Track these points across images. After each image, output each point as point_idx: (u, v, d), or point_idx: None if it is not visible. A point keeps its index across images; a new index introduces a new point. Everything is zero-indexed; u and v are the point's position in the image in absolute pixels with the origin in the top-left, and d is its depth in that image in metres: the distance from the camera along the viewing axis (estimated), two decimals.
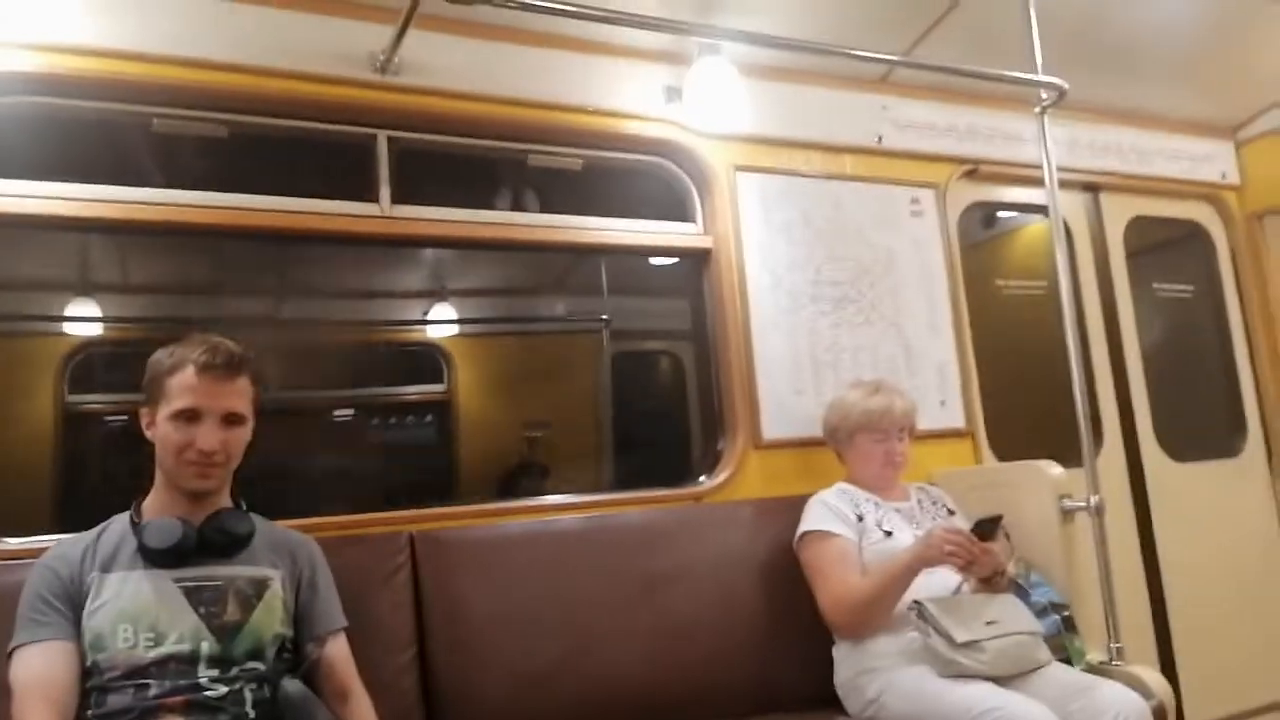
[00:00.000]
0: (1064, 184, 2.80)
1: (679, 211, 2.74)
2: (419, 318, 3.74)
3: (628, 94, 2.60)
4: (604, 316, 3.58)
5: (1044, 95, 2.46)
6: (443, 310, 3.73)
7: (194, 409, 1.56)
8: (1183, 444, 3.34)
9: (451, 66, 2.38)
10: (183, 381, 1.56)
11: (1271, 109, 3.51)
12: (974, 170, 3.08)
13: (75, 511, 2.64)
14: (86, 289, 3.14)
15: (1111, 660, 2.20)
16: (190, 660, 1.50)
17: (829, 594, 2.15)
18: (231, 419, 1.59)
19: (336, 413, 3.60)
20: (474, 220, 2.47)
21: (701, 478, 2.59)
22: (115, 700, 1.46)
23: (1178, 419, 3.37)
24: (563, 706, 1.99)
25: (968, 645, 1.94)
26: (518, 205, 2.80)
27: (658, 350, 3.68)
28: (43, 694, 1.43)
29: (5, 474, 2.75)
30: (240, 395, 1.61)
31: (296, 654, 1.65)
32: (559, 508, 2.45)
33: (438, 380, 3.70)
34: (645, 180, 2.75)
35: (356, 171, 2.34)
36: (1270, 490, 3.47)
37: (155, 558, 1.54)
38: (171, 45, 2.09)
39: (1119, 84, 3.20)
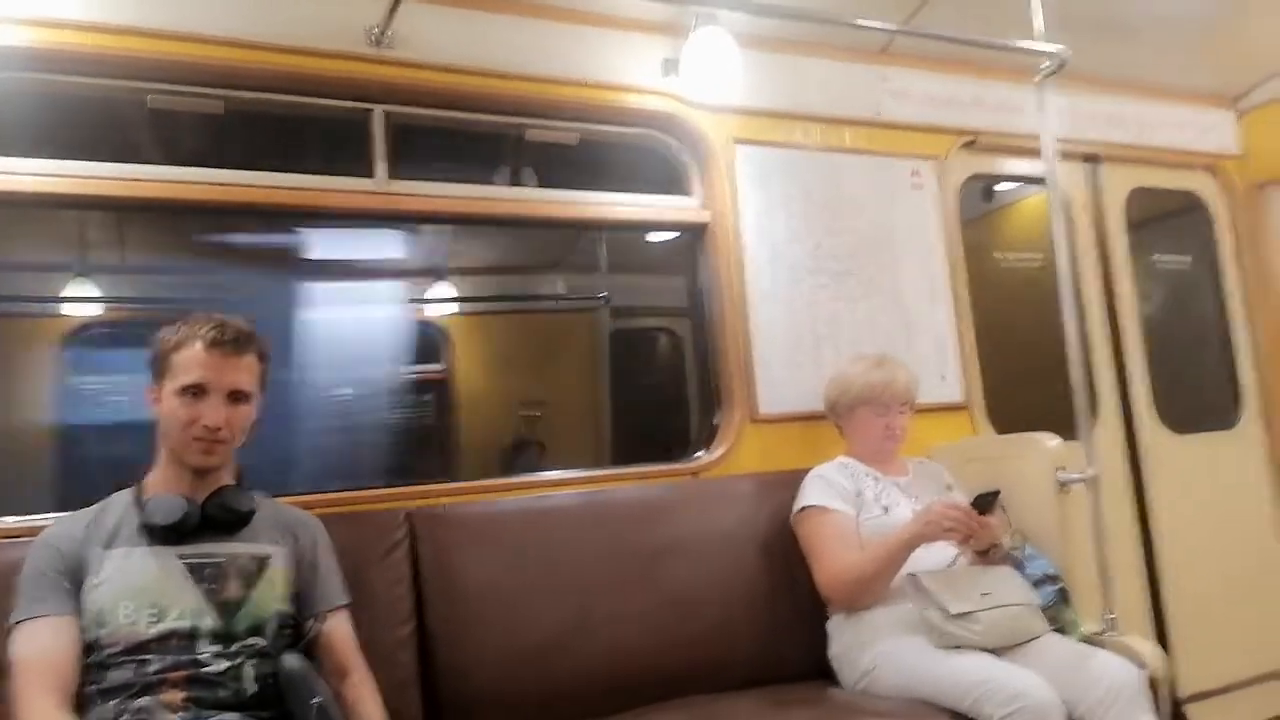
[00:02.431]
0: (1064, 155, 2.78)
1: (677, 185, 2.72)
2: (417, 296, 3.73)
3: (625, 66, 2.58)
4: (603, 294, 3.57)
5: (1044, 64, 2.44)
6: (441, 288, 3.72)
7: (200, 384, 1.56)
8: (1180, 415, 3.34)
9: (447, 39, 2.36)
10: (190, 357, 1.56)
11: (1273, 78, 3.48)
12: (974, 141, 3.06)
13: (74, 491, 2.64)
14: (85, 269, 3.13)
15: (1106, 631, 2.21)
16: (191, 636, 1.51)
17: (826, 569, 2.16)
18: (237, 396, 1.59)
19: (335, 390, 3.60)
20: (471, 195, 2.47)
21: (699, 453, 2.60)
22: (116, 675, 1.47)
23: (1175, 390, 3.37)
24: (561, 681, 2.00)
25: (963, 616, 1.95)
26: (515, 180, 2.79)
27: (656, 327, 3.68)
28: (44, 669, 1.44)
29: (5, 454, 2.76)
30: (247, 372, 1.61)
31: (297, 630, 1.66)
32: (557, 483, 2.46)
33: (435, 359, 3.70)
34: (643, 154, 2.73)
35: (353, 147, 2.33)
36: (1266, 462, 3.48)
37: (158, 534, 1.55)
38: (166, 20, 2.07)
39: (1120, 53, 3.17)
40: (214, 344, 1.56)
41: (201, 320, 1.60)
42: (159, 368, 1.60)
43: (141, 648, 1.48)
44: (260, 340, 1.65)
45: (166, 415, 1.58)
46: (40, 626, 1.48)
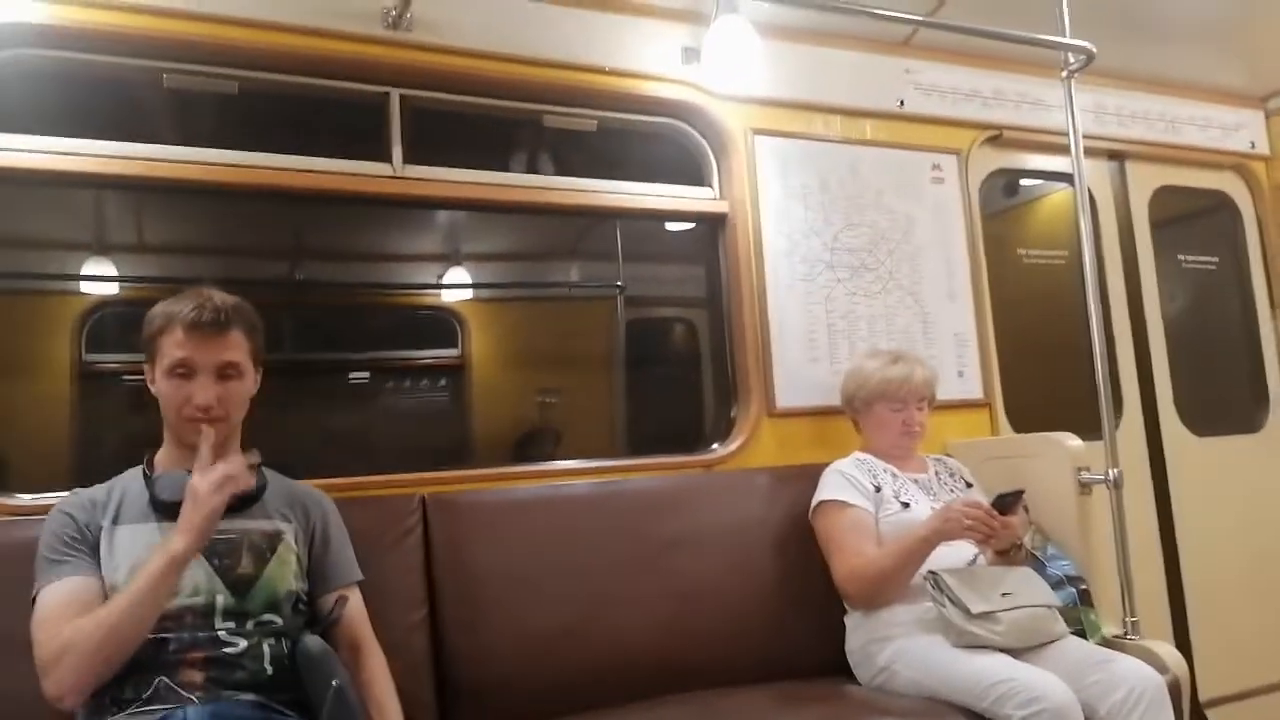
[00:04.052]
0: (1089, 151, 2.74)
1: (695, 176, 2.70)
2: (433, 282, 3.72)
3: (644, 54, 2.55)
4: (619, 283, 3.55)
5: (1071, 59, 2.40)
6: (457, 275, 3.71)
7: (186, 364, 1.56)
8: (1203, 418, 3.29)
9: (464, 23, 2.34)
10: (172, 340, 1.56)
11: None
12: (998, 136, 3.02)
13: (92, 469, 2.65)
14: (103, 248, 3.13)
15: (1126, 634, 2.19)
16: (206, 613, 1.50)
17: (844, 565, 2.13)
18: (227, 372, 1.59)
19: (351, 375, 3.60)
20: (487, 182, 2.45)
21: (714, 445, 2.58)
22: (134, 654, 1.45)
23: (1199, 393, 3.32)
24: (573, 669, 1.99)
25: (983, 616, 1.92)
26: (533, 168, 2.77)
27: (673, 317, 3.65)
28: (71, 612, 1.42)
29: (23, 432, 2.76)
30: (234, 348, 1.60)
31: (311, 608, 1.65)
32: (571, 472, 2.44)
33: (452, 345, 3.69)
34: (661, 144, 2.70)
35: (369, 131, 2.31)
36: None
37: (168, 510, 1.54)
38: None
39: (1148, 49, 3.12)
40: (194, 325, 1.56)
41: (184, 299, 1.59)
42: (149, 350, 1.60)
43: (157, 624, 1.46)
44: (245, 314, 1.63)
45: (161, 396, 1.59)
46: (63, 585, 1.47)
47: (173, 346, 1.56)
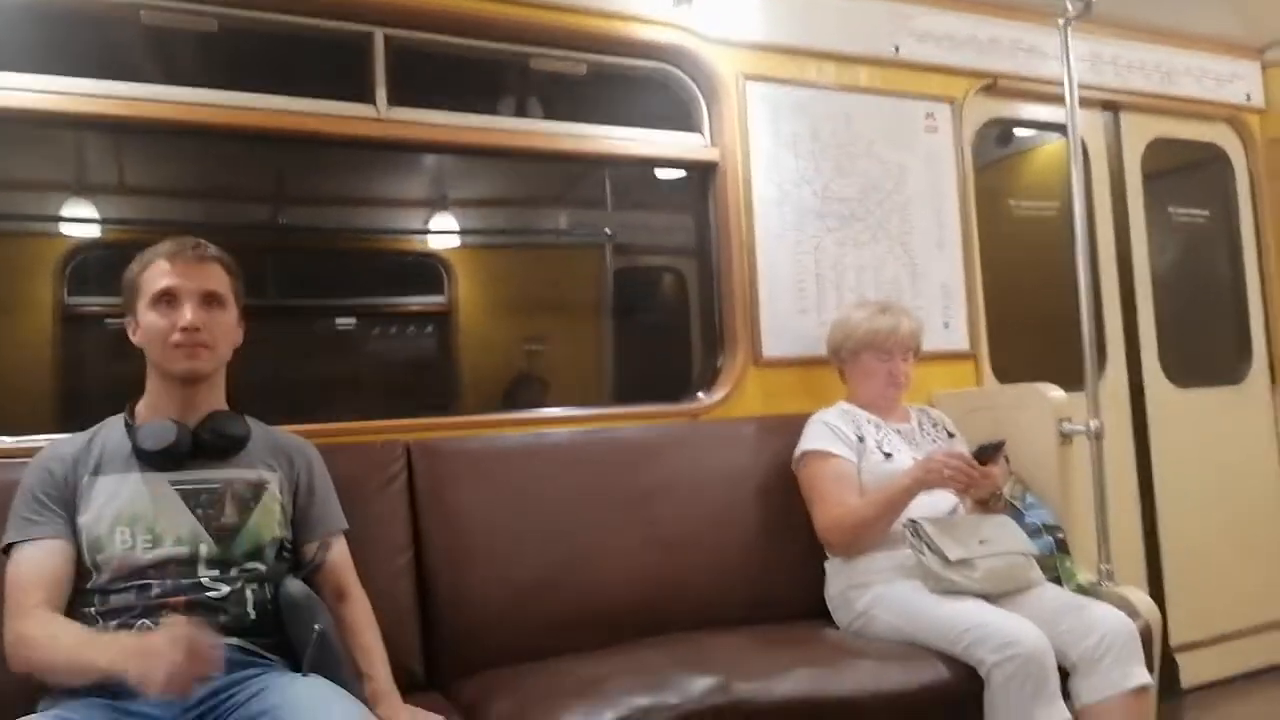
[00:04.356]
0: (1084, 102, 2.71)
1: (685, 122, 2.66)
2: (419, 227, 3.68)
3: None
4: (607, 230, 3.53)
5: (1070, 6, 2.36)
6: (443, 220, 3.68)
7: (170, 289, 1.55)
8: (1187, 369, 3.32)
9: None
10: (155, 270, 1.57)
11: None
12: (992, 85, 2.98)
13: (75, 412, 2.65)
14: (83, 189, 3.09)
15: (1101, 582, 2.23)
16: (189, 562, 1.51)
17: (826, 514, 2.16)
18: (211, 299, 1.58)
19: (337, 321, 3.58)
20: (473, 126, 2.41)
21: (700, 394, 2.58)
22: (117, 599, 1.48)
23: (1184, 345, 3.34)
24: (557, 614, 2.02)
25: (960, 563, 1.96)
26: (521, 112, 2.72)
27: (661, 266, 3.64)
28: (38, 586, 1.45)
29: (5, 375, 2.75)
30: (216, 279, 1.60)
31: (295, 555, 1.66)
32: (557, 420, 2.45)
33: (438, 291, 3.67)
34: (652, 89, 2.66)
35: (352, 71, 2.26)
36: (1271, 418, 3.47)
37: (151, 459, 1.54)
38: None
39: None
40: (175, 253, 1.58)
41: (161, 242, 1.61)
42: (130, 295, 1.60)
43: (140, 573, 1.49)
44: (226, 256, 1.64)
45: (146, 331, 1.57)
46: (34, 549, 1.48)
47: (157, 276, 1.56)
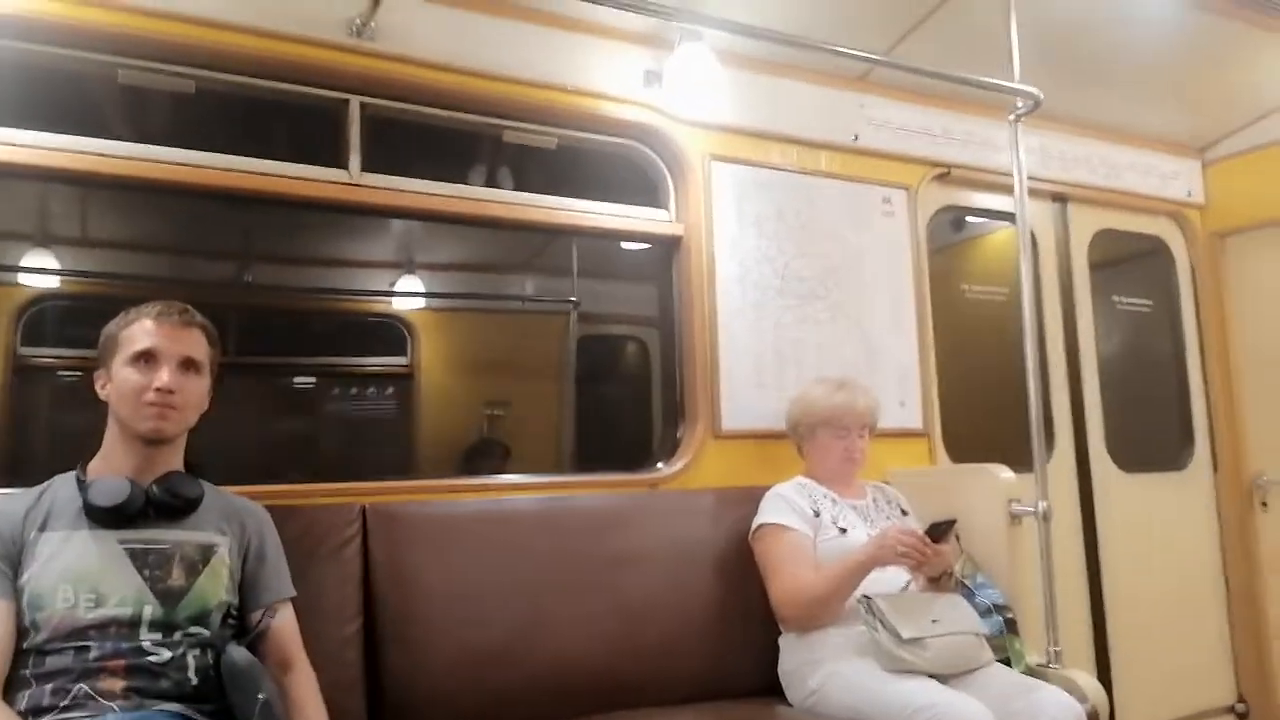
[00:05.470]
0: (1033, 193, 2.84)
1: (652, 197, 2.73)
2: (384, 289, 3.70)
3: (606, 75, 2.58)
4: (572, 298, 3.57)
5: (1019, 103, 2.49)
6: (409, 283, 3.69)
7: (152, 350, 1.57)
8: (1132, 455, 3.40)
9: (429, 35, 2.35)
10: (139, 329, 1.59)
11: (1239, 131, 3.57)
12: (946, 174, 3.11)
13: (24, 463, 2.59)
14: (45, 240, 3.06)
15: (1050, 663, 2.25)
16: (132, 624, 1.48)
17: (781, 587, 2.17)
18: (189, 365, 1.60)
19: (296, 380, 3.56)
20: (444, 194, 2.45)
21: (659, 464, 2.60)
22: (54, 661, 1.44)
23: (1129, 430, 3.43)
24: (512, 685, 1.99)
25: (912, 642, 1.97)
26: (491, 181, 2.77)
27: (624, 335, 3.68)
28: None
29: None
30: (197, 346, 1.63)
31: (241, 621, 1.63)
32: (516, 487, 2.45)
33: (401, 352, 3.67)
34: (620, 164, 2.73)
35: (327, 137, 2.30)
36: (1213, 504, 3.56)
37: (101, 517, 1.52)
38: None
39: (1093, 97, 3.24)
40: (162, 315, 1.61)
41: (148, 303, 1.63)
42: (107, 349, 1.61)
43: (80, 633, 1.45)
44: (209, 326, 1.67)
45: (118, 387, 1.57)
46: None
47: (140, 335, 1.58)
